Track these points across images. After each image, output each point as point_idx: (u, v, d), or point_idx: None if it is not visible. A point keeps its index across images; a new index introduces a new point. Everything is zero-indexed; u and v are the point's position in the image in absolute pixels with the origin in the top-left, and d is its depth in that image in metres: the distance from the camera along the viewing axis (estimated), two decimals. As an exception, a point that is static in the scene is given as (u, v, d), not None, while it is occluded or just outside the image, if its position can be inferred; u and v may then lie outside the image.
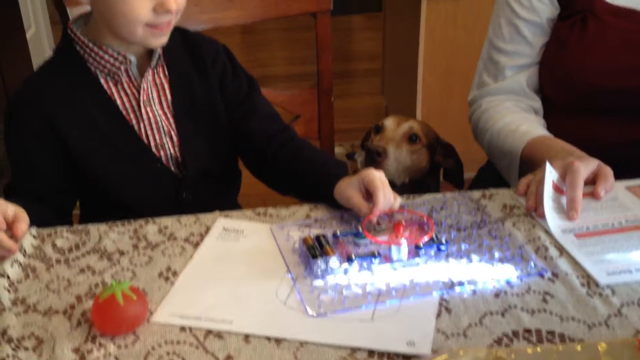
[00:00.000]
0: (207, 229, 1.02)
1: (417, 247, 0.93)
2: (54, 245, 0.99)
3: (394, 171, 1.52)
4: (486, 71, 1.35)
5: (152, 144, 1.18)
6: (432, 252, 0.93)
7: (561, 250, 0.94)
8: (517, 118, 1.27)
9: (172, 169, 1.21)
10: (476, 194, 1.10)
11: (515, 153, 1.22)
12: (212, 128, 1.23)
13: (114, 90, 1.16)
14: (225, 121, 1.25)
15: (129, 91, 1.17)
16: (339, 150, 2.67)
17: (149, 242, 0.99)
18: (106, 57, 1.13)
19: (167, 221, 1.05)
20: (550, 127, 1.27)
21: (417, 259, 0.92)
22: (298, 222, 1.04)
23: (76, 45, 1.14)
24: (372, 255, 0.92)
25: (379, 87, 3.63)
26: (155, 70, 1.18)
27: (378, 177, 1.00)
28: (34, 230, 1.01)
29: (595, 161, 1.07)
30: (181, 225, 1.04)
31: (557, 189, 1.04)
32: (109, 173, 1.17)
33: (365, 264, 0.91)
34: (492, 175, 1.42)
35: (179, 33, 1.23)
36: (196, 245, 0.99)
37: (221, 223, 1.04)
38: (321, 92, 1.52)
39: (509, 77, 1.32)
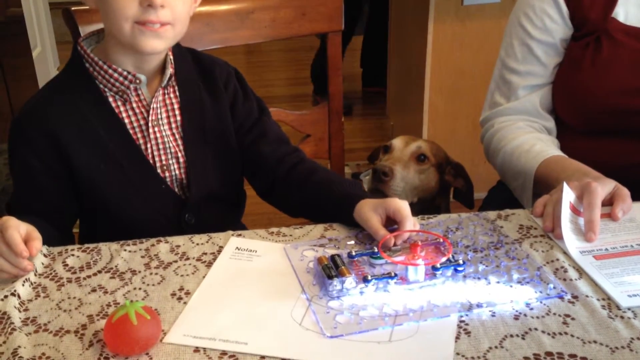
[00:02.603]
0: (220, 249, 1.01)
1: (434, 268, 0.91)
2: (65, 264, 0.97)
3: (401, 191, 1.51)
4: (498, 91, 1.35)
5: (158, 164, 1.17)
6: (450, 273, 0.92)
7: (580, 271, 0.93)
8: (531, 138, 1.26)
9: (176, 190, 1.20)
10: (492, 214, 1.09)
11: (529, 173, 1.21)
12: (221, 151, 1.22)
13: (122, 109, 1.15)
14: (234, 145, 1.24)
15: (137, 110, 1.16)
16: (345, 170, 2.66)
17: (161, 261, 0.98)
18: (115, 75, 1.12)
19: (179, 240, 1.03)
20: (564, 148, 1.26)
21: (434, 280, 0.91)
22: (312, 242, 1.02)
23: (85, 62, 1.14)
24: (389, 276, 0.90)
25: (385, 107, 3.64)
26: (165, 91, 1.18)
27: (404, 207, 0.99)
28: (44, 249, 1.00)
29: (612, 182, 1.06)
30: (193, 244, 1.03)
31: (574, 210, 1.03)
32: (111, 192, 1.15)
33: (381, 285, 0.89)
34: (502, 196, 1.41)
35: (190, 54, 1.24)
36: (209, 264, 0.97)
37: (234, 242, 1.03)
38: (332, 111, 1.51)
39: (521, 97, 1.31)
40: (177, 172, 1.19)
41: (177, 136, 1.18)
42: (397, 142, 1.56)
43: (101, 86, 1.14)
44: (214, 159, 1.22)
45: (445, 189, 1.63)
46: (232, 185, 1.28)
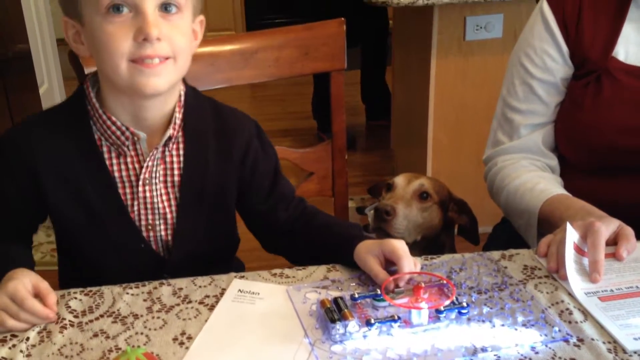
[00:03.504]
0: (223, 291, 1.01)
1: (438, 311, 0.90)
2: (67, 307, 0.97)
3: (404, 229, 1.51)
4: (501, 129, 1.35)
5: (143, 223, 1.12)
6: (453, 315, 0.91)
7: (585, 314, 0.92)
8: (534, 176, 1.26)
9: (160, 250, 1.15)
10: (495, 254, 1.08)
11: (532, 212, 1.21)
12: (216, 213, 1.16)
13: (114, 162, 1.09)
14: (232, 208, 1.20)
15: (131, 166, 1.09)
16: (349, 204, 2.66)
17: (164, 304, 0.98)
18: (113, 128, 1.05)
19: (182, 283, 1.03)
20: (567, 186, 1.26)
21: (438, 323, 0.90)
22: (315, 284, 1.02)
23: (88, 104, 1.07)
24: (392, 319, 0.89)
25: (389, 141, 3.65)
26: (166, 147, 1.10)
27: (399, 247, 0.99)
28: (47, 293, 1.00)
29: (616, 221, 1.05)
30: (196, 286, 1.02)
31: (579, 250, 1.03)
32: (86, 241, 1.12)
33: (385, 329, 0.89)
34: (507, 233, 1.40)
35: (211, 107, 1.16)
36: (211, 307, 0.97)
37: (236, 285, 1.02)
38: (335, 149, 1.52)
39: (524, 135, 1.31)
40: (162, 232, 1.13)
41: (171, 196, 1.12)
42: (400, 180, 1.56)
43: (98, 134, 1.07)
44: (207, 220, 1.16)
45: (450, 226, 1.63)
46: (221, 244, 1.23)
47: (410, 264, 0.97)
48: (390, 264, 1.00)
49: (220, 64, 1.43)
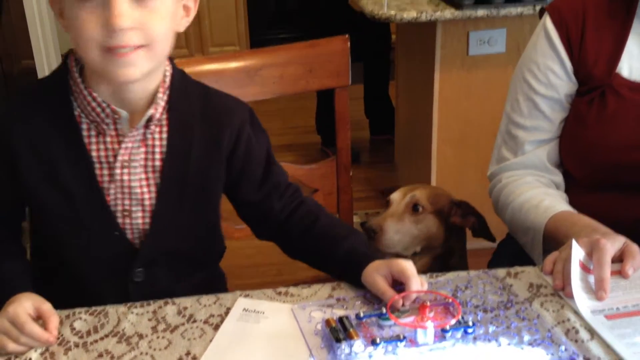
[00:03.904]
0: (228, 310, 1.00)
1: (444, 330, 0.90)
2: (72, 328, 0.97)
3: (397, 243, 1.50)
4: (505, 146, 1.35)
5: (119, 208, 1.07)
6: (459, 334, 0.91)
7: (592, 332, 0.92)
8: (539, 193, 1.25)
9: (135, 242, 1.09)
10: (501, 272, 1.08)
11: (538, 229, 1.20)
12: (200, 207, 1.12)
13: (93, 140, 1.04)
14: (217, 202, 1.15)
15: (110, 146, 1.04)
16: (354, 220, 2.66)
17: (168, 324, 0.97)
18: (94, 104, 1.01)
19: (187, 302, 1.03)
20: (572, 202, 1.25)
21: (444, 343, 0.90)
22: (320, 302, 1.02)
23: (70, 79, 1.03)
24: (398, 338, 0.89)
25: (392, 155, 3.65)
26: (148, 130, 1.05)
27: (408, 267, 0.99)
28: (53, 313, 1.00)
29: (622, 238, 1.05)
30: (201, 305, 1.02)
31: (584, 268, 1.02)
32: (58, 224, 1.07)
33: (390, 348, 0.88)
34: (512, 249, 1.40)
35: (202, 92, 1.11)
36: (216, 327, 0.97)
37: (241, 304, 1.02)
38: (340, 166, 1.52)
39: (528, 151, 1.31)
40: (140, 220, 1.08)
41: (151, 182, 1.07)
42: (395, 196, 1.57)
43: (78, 110, 1.03)
44: (189, 211, 1.11)
45: (459, 231, 1.62)
46: (203, 245, 1.18)
47: (418, 283, 0.97)
48: (396, 284, 1.00)
49: (225, 81, 1.43)
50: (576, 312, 0.96)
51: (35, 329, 0.93)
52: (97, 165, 1.05)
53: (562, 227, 1.16)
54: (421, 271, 1.02)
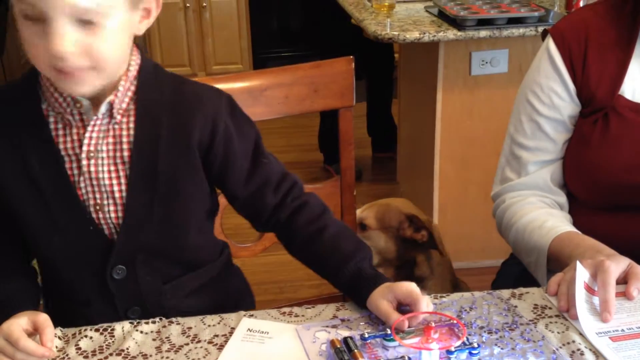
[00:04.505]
0: (232, 330, 1.01)
1: (449, 352, 0.90)
2: (78, 348, 0.97)
3: None
4: (509, 166, 1.36)
5: (91, 202, 1.05)
6: (464, 356, 0.91)
7: (597, 354, 0.92)
8: (542, 214, 1.26)
9: (113, 237, 1.07)
10: (505, 293, 1.08)
11: (542, 250, 1.20)
12: (172, 203, 1.08)
13: (61, 133, 1.03)
14: (191, 190, 1.10)
15: (76, 137, 1.03)
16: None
17: (173, 344, 0.98)
18: (56, 95, 1.01)
19: (191, 322, 1.03)
20: (576, 223, 1.26)
21: (449, 364, 0.89)
22: (324, 323, 1.02)
23: (39, 74, 1.03)
24: (402, 359, 0.89)
25: (395, 173, 3.66)
26: (113, 120, 1.04)
27: (414, 289, 0.99)
28: (59, 332, 1.00)
29: (626, 260, 1.05)
30: (205, 325, 1.02)
31: (589, 290, 1.02)
32: (33, 224, 1.06)
33: (395, 369, 0.88)
34: (516, 269, 1.40)
35: (173, 82, 1.09)
36: (220, 347, 0.97)
37: (245, 324, 1.02)
38: (344, 185, 1.52)
39: (532, 172, 1.31)
40: (112, 214, 1.06)
41: (120, 173, 1.05)
42: (357, 212, 1.65)
43: (46, 104, 1.03)
44: (162, 205, 1.07)
45: (421, 245, 1.70)
46: (183, 242, 1.13)
47: (425, 305, 0.97)
48: (401, 305, 1.00)
49: (229, 101, 1.44)
50: (581, 334, 0.96)
51: (29, 344, 0.92)
52: (66, 159, 1.04)
53: (566, 248, 1.16)
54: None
